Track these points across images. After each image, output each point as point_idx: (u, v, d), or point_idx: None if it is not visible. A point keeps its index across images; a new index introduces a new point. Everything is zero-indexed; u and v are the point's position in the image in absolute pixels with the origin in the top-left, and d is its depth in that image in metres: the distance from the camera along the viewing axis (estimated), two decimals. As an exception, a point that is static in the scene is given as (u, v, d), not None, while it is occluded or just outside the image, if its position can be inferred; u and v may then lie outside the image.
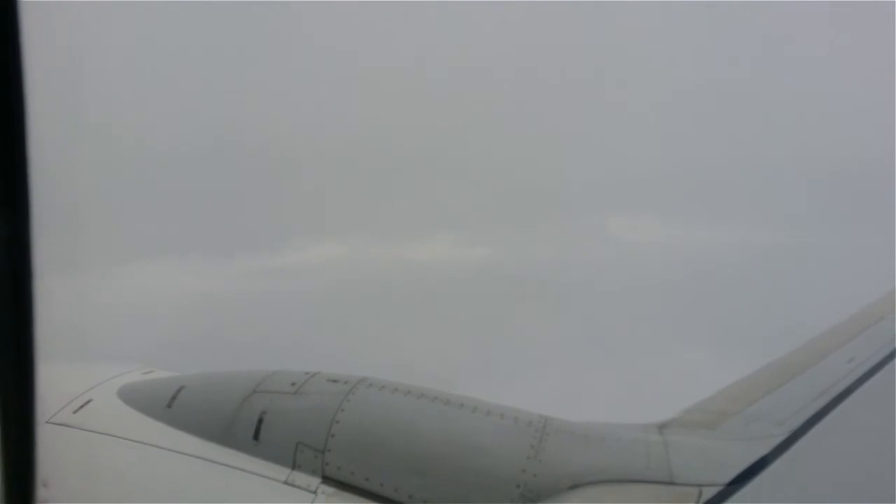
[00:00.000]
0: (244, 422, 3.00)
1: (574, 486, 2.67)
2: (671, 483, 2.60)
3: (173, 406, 3.15)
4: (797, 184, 10.63)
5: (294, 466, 2.87)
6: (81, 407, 3.24)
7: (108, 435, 3.10)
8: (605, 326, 9.37)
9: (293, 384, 3.10)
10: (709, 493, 2.53)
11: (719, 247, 10.90)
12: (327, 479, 2.83)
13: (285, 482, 2.84)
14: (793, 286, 9.62)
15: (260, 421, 2.98)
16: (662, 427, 3.02)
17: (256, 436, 2.95)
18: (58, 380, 3.48)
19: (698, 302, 9.74)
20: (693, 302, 9.74)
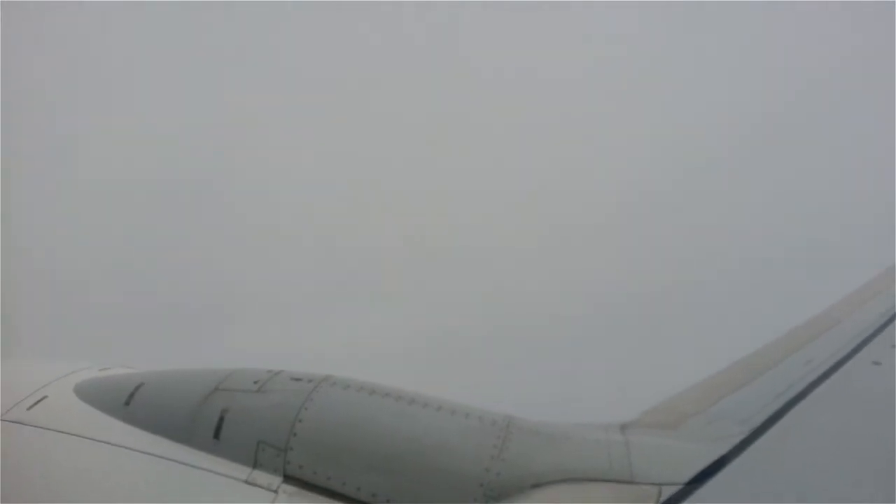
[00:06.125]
0: (205, 420, 2.94)
1: (537, 485, 2.67)
2: (632, 482, 2.62)
3: (131, 403, 3.09)
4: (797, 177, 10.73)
5: (255, 465, 2.82)
6: (36, 403, 3.16)
7: (64, 432, 3.03)
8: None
9: (256, 382, 3.06)
10: (668, 491, 2.55)
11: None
12: (289, 478, 2.79)
13: (246, 481, 2.80)
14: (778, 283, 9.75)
15: (221, 419, 2.93)
16: (624, 427, 3.05)
17: (217, 434, 2.90)
18: (12, 375, 3.40)
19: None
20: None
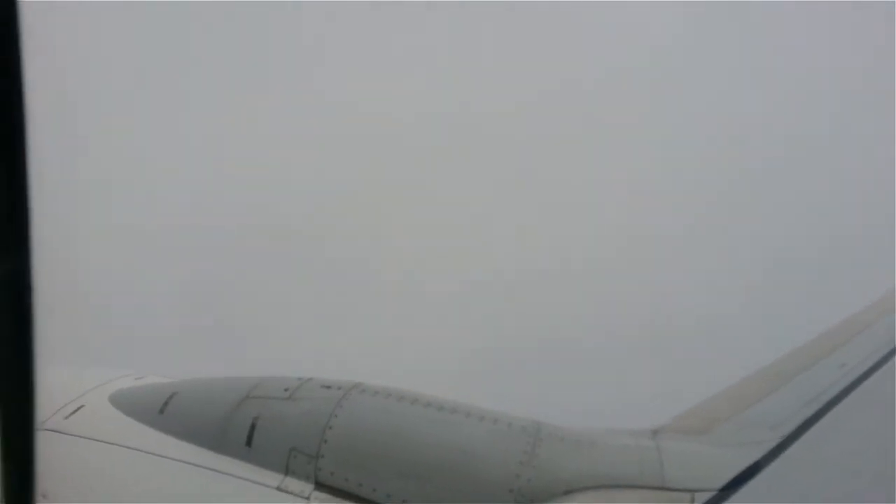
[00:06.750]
0: (237, 427, 2.99)
1: (568, 492, 2.67)
2: (664, 488, 2.61)
3: (165, 412, 3.14)
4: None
5: (287, 472, 2.86)
6: (73, 412, 3.23)
7: (100, 441, 3.09)
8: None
9: (286, 389, 3.09)
10: (701, 498, 2.53)
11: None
12: (320, 485, 2.82)
13: (278, 488, 2.83)
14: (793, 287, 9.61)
15: (253, 427, 2.97)
16: (655, 432, 3.03)
17: (249, 441, 2.94)
18: (49, 384, 3.47)
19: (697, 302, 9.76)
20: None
